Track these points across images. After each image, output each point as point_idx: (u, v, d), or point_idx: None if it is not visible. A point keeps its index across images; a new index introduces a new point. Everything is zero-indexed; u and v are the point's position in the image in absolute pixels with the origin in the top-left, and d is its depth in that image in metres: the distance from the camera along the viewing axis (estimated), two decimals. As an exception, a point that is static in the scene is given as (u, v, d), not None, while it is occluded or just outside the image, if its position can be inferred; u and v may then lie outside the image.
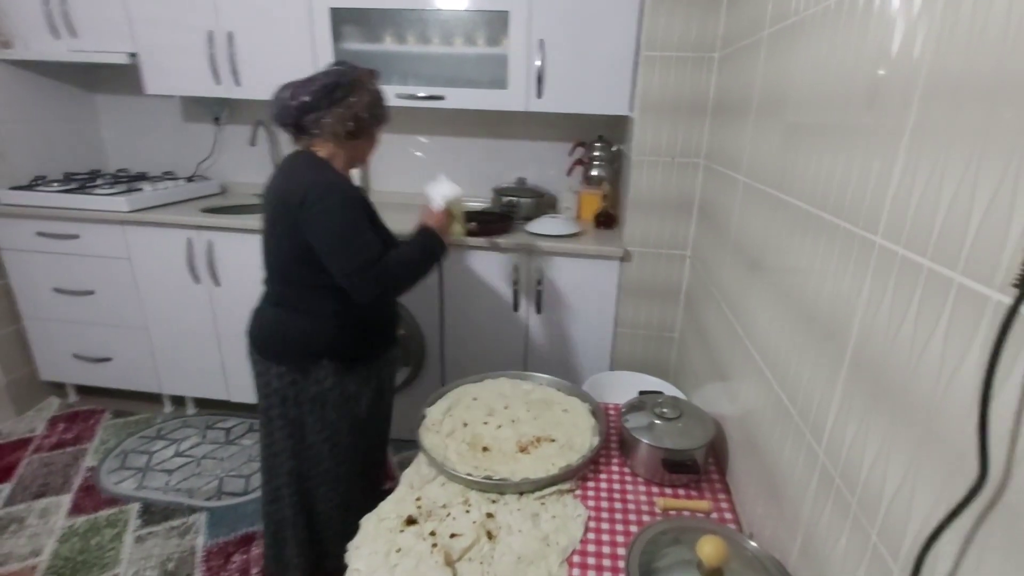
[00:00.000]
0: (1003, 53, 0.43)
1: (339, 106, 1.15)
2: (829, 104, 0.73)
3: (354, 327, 1.26)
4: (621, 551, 0.88)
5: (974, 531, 0.43)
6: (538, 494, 0.98)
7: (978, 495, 0.41)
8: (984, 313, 0.43)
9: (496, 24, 1.88)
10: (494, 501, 0.97)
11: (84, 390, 2.38)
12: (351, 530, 1.22)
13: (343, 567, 0.87)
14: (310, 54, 1.91)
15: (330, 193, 1.13)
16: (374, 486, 1.46)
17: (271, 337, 1.26)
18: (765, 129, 1.00)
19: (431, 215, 1.32)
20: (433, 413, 1.17)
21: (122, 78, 2.39)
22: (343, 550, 0.90)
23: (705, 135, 1.55)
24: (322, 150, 1.20)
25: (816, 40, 0.79)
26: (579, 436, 1.10)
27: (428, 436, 1.11)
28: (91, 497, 1.81)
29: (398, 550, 0.86)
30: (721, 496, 1.02)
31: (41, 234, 2.04)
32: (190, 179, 2.40)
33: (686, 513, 0.98)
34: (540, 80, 1.80)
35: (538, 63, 1.78)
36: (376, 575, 0.82)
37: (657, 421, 1.07)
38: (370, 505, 0.97)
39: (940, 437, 0.47)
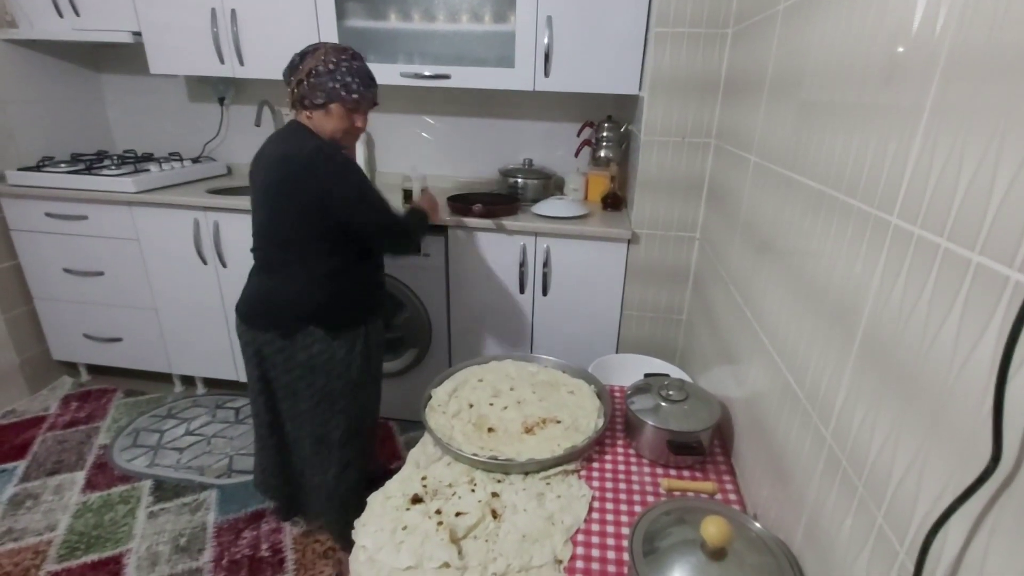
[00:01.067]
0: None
1: (295, 73, 1.22)
2: (846, 81, 0.71)
3: (341, 293, 1.29)
4: (625, 531, 0.89)
5: (984, 514, 0.42)
6: (543, 474, 0.99)
7: (990, 478, 0.41)
8: (1003, 294, 0.42)
9: (503, 0, 1.84)
10: (499, 481, 0.97)
11: (96, 369, 2.42)
12: (350, 499, 1.28)
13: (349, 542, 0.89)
14: (314, 32, 1.88)
15: (335, 155, 1.20)
16: (368, 450, 1.50)
17: (258, 305, 1.30)
18: (778, 107, 0.97)
19: (427, 200, 1.52)
20: (439, 394, 1.17)
21: (127, 58, 2.38)
22: (346, 521, 0.94)
23: (716, 114, 1.52)
24: (305, 120, 1.26)
25: (833, 15, 0.77)
26: (584, 418, 1.10)
27: (434, 417, 1.12)
28: (104, 474, 1.85)
29: (404, 527, 0.87)
30: (726, 478, 1.03)
31: (50, 215, 2.05)
32: (196, 160, 2.39)
33: (690, 494, 0.98)
34: (548, 58, 1.76)
35: (546, 40, 1.74)
36: (382, 552, 0.83)
37: (663, 403, 1.07)
38: (364, 469, 1.04)
39: (951, 420, 0.46)
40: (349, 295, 1.31)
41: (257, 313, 1.30)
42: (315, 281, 1.26)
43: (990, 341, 0.43)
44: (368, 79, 1.26)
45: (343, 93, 1.21)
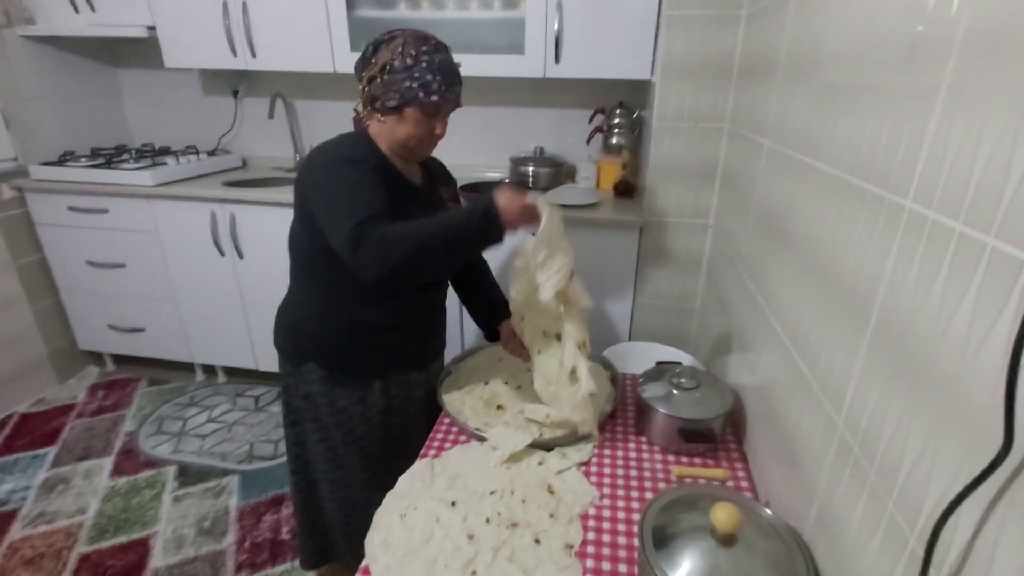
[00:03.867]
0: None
1: (366, 67, 1.00)
2: (861, 62, 0.69)
3: (344, 331, 1.09)
4: (636, 516, 0.89)
5: (995, 501, 0.42)
6: (556, 468, 0.99)
7: (1001, 465, 0.40)
8: (1018, 278, 0.41)
9: (513, -14, 1.82)
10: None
11: (120, 359, 2.49)
12: (354, 528, 1.13)
13: (352, 561, 0.84)
14: (324, 23, 1.88)
15: (332, 151, 1.00)
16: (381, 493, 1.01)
17: (276, 323, 1.19)
18: (793, 91, 0.95)
19: (512, 196, 0.92)
20: (459, 370, 1.21)
21: (143, 52, 2.41)
22: (351, 545, 0.90)
23: (730, 98, 1.49)
24: (372, 126, 1.06)
25: (849, -8, 0.74)
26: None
27: (448, 391, 1.17)
28: (131, 460, 1.91)
29: (415, 508, 0.89)
30: (738, 465, 1.02)
31: (72, 209, 2.10)
32: (212, 153, 2.43)
33: (702, 481, 0.98)
34: (558, 44, 1.74)
35: (556, 26, 1.72)
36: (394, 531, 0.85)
37: (674, 391, 1.07)
38: (373, 509, 0.91)
39: (964, 407, 0.46)
40: (352, 335, 1.09)
41: (274, 330, 1.19)
42: (312, 313, 1.10)
43: (1004, 327, 0.42)
44: (452, 76, 1.01)
45: (421, 94, 0.97)
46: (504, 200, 0.92)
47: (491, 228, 0.92)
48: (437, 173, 1.21)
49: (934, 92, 0.53)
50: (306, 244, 1.06)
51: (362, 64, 1.01)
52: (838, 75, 0.76)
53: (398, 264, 0.89)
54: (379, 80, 0.98)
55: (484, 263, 1.35)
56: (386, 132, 1.03)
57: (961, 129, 0.49)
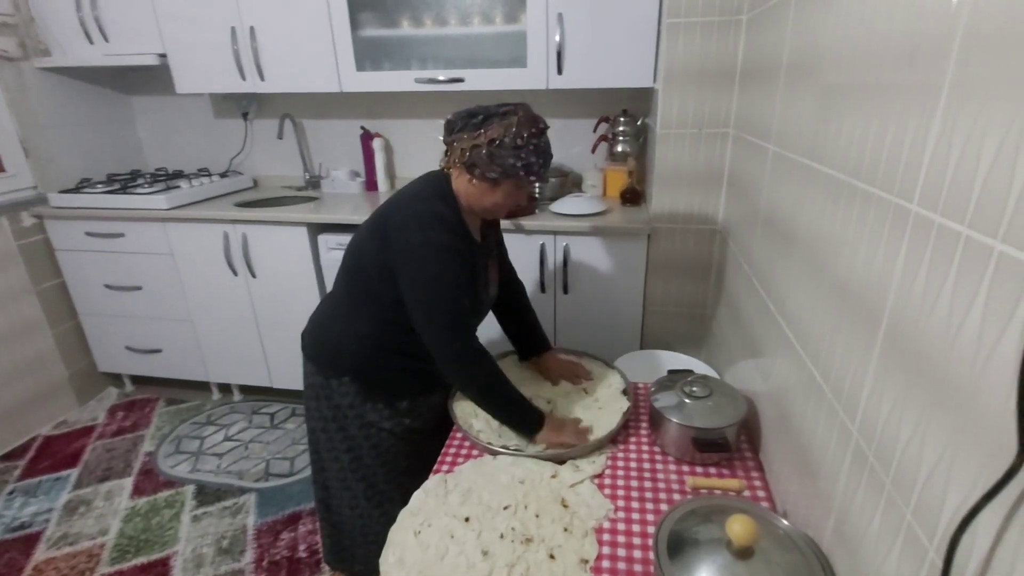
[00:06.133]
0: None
1: (469, 131, 1.03)
2: (863, 63, 0.69)
3: (387, 357, 1.15)
4: (650, 529, 0.88)
5: (1014, 511, 0.41)
6: (569, 481, 0.99)
7: (1018, 473, 0.39)
8: (1026, 283, 0.40)
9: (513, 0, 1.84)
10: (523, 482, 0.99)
11: (139, 380, 2.53)
12: (371, 541, 1.15)
13: (370, 572, 0.87)
14: (329, 44, 1.92)
15: (428, 222, 1.03)
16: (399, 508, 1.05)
17: (310, 333, 1.22)
18: (796, 94, 0.95)
19: (557, 437, 1.06)
20: None
21: (154, 79, 2.47)
22: (367, 564, 0.92)
23: (734, 103, 1.49)
24: (456, 178, 1.09)
25: (847, -4, 0.74)
26: (604, 418, 1.12)
27: (460, 405, 1.17)
28: (150, 480, 1.93)
29: (430, 525, 0.88)
30: (754, 474, 1.01)
31: (90, 234, 2.15)
32: (223, 175, 2.47)
33: (717, 492, 0.97)
34: (560, 56, 1.76)
35: (557, 38, 1.73)
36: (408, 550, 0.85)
37: (687, 400, 1.06)
38: (391, 524, 0.94)
39: (979, 414, 0.45)
40: (394, 362, 1.15)
41: (308, 341, 1.22)
42: (360, 336, 1.13)
43: (1015, 332, 0.41)
44: (549, 158, 1.07)
45: (522, 172, 1.02)
46: (549, 435, 1.07)
47: (523, 435, 1.09)
48: (488, 221, 1.24)
49: (936, 91, 0.52)
50: (370, 278, 1.09)
51: (464, 126, 1.03)
52: (840, 77, 0.76)
53: (465, 390, 1.11)
54: (484, 152, 1.01)
55: (522, 288, 1.38)
56: (474, 194, 1.07)
57: (965, 128, 0.48)
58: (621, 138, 2.01)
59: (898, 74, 0.60)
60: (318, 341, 1.20)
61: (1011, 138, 0.42)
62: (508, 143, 1.00)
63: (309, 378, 1.22)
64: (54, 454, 2.09)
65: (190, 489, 1.87)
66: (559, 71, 1.78)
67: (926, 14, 0.55)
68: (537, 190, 2.05)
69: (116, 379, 2.53)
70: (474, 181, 1.05)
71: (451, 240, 1.04)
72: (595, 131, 2.10)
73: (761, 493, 0.96)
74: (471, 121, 1.03)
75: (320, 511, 1.33)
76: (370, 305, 1.11)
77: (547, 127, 1.06)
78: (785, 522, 0.78)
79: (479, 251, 1.15)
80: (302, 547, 1.63)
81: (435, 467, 1.06)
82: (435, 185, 1.10)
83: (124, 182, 2.27)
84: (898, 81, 0.60)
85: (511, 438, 1.09)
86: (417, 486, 1.00)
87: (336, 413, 1.19)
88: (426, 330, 1.05)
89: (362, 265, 1.12)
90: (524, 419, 1.08)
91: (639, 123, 1.98)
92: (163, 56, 2.08)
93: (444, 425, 1.20)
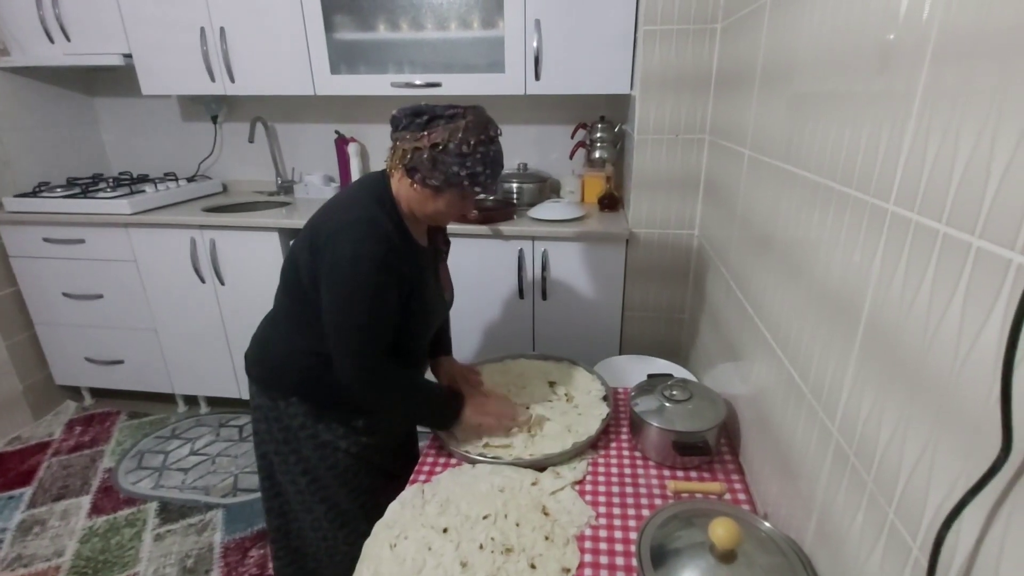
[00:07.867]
0: (1020, 6, 0.40)
1: (412, 131, 0.94)
2: (836, 71, 0.70)
3: (333, 374, 1.02)
4: (633, 535, 0.87)
5: (998, 506, 0.41)
6: (550, 488, 0.97)
7: (1002, 468, 0.39)
8: (1005, 277, 0.40)
9: (491, 5, 1.84)
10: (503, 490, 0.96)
11: (99, 393, 2.41)
12: (339, 561, 1.10)
13: None
14: (303, 47, 1.89)
15: (362, 235, 0.94)
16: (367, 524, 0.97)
17: (252, 353, 1.14)
18: (770, 100, 0.96)
19: (485, 404, 1.07)
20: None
21: (119, 80, 2.39)
22: (336, 575, 0.88)
23: (709, 110, 1.51)
24: (397, 180, 1.01)
25: (820, 4, 0.76)
26: (584, 423, 1.10)
27: None
28: (110, 498, 1.84)
29: (406, 537, 0.85)
30: (735, 477, 1.01)
31: (47, 240, 2.05)
32: (191, 179, 2.40)
33: (698, 495, 0.96)
34: (538, 62, 1.76)
35: (535, 44, 1.74)
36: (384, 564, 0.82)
37: (667, 404, 1.06)
38: (360, 541, 0.88)
39: (959, 410, 0.45)
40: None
41: (250, 362, 1.14)
42: (304, 352, 1.05)
43: (994, 327, 0.41)
44: (499, 168, 0.99)
45: (466, 183, 0.94)
46: (473, 414, 1.06)
47: (449, 425, 1.07)
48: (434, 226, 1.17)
49: (910, 97, 0.53)
50: (307, 291, 1.02)
51: (408, 126, 0.95)
52: (814, 83, 0.77)
53: (375, 407, 1.07)
54: (426, 156, 0.93)
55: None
56: (415, 199, 0.99)
57: (939, 132, 0.49)
58: (599, 144, 2.02)
59: (871, 81, 0.61)
60: (260, 361, 1.12)
61: (985, 139, 0.43)
62: (453, 149, 0.92)
63: (255, 399, 1.14)
64: (7, 472, 1.98)
65: (153, 506, 1.79)
66: (537, 77, 1.78)
67: (897, 25, 0.56)
68: (515, 196, 2.05)
69: (74, 392, 2.42)
70: (415, 186, 0.97)
71: (385, 253, 0.94)
72: (573, 137, 2.11)
73: (742, 496, 0.96)
74: (415, 121, 0.94)
75: (277, 540, 1.23)
76: (311, 320, 1.01)
77: (498, 134, 0.98)
78: (767, 524, 0.77)
79: (425, 256, 1.08)
80: (272, 564, 1.56)
81: (412, 477, 1.03)
82: (372, 188, 1.02)
83: (85, 186, 2.18)
84: (871, 88, 0.61)
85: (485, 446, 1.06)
86: (383, 503, 0.94)
87: (287, 435, 1.11)
88: (334, 350, 0.98)
89: (299, 278, 1.03)
90: (444, 411, 1.04)
91: (616, 129, 2.00)
92: (128, 56, 2.02)
93: (410, 438, 1.16)
